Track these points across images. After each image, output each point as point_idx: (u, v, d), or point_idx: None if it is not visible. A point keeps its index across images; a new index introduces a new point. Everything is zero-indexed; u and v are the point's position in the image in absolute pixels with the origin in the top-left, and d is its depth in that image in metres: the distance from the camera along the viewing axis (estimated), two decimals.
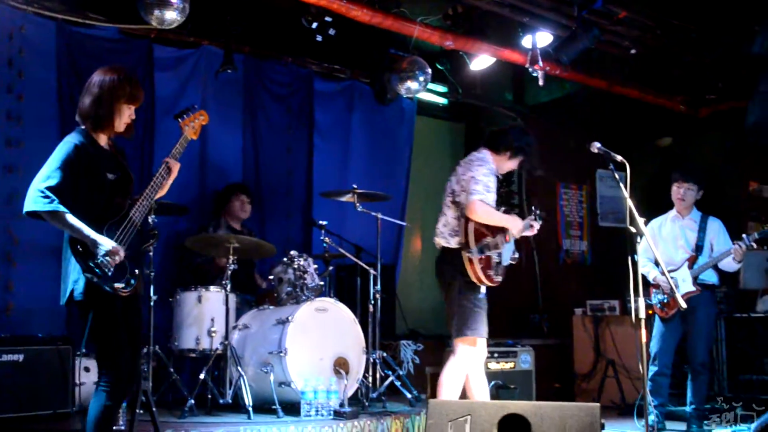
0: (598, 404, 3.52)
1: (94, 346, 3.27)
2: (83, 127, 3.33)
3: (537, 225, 4.43)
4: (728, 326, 6.63)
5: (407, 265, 7.44)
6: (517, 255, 4.46)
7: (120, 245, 3.22)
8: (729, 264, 5.48)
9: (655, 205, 5.85)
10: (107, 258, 3.15)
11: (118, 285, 3.19)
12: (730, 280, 6.43)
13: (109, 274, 3.17)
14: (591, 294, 7.35)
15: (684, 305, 5.08)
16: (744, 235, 5.33)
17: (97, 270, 3.14)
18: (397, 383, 5.46)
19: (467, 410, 3.59)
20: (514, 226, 4.31)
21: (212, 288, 5.16)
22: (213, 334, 5.00)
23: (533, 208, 4.45)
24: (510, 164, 4.53)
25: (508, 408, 3.58)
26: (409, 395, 5.38)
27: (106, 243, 3.18)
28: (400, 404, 5.32)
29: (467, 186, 4.27)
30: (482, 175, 4.25)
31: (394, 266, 6.95)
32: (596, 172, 8.49)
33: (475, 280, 4.22)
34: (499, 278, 4.31)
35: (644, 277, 5.55)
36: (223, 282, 5.04)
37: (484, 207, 4.18)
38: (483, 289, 4.26)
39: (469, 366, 4.31)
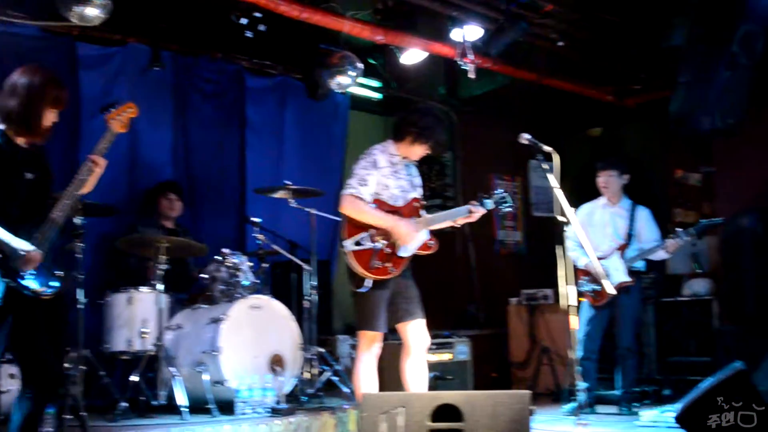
0: (528, 391, 3.55)
1: (15, 353, 3.18)
2: (1, 127, 3.24)
3: (479, 211, 4.39)
4: (656, 311, 6.79)
5: (345, 261, 7.41)
6: (433, 242, 4.33)
7: (40, 246, 3.14)
8: (660, 255, 5.63)
9: (586, 194, 5.96)
10: (24, 262, 3.07)
11: (38, 288, 3.11)
12: (657, 266, 6.62)
13: (27, 278, 3.09)
14: (526, 283, 7.45)
15: (614, 292, 5.20)
16: (679, 230, 5.45)
17: (15, 274, 3.06)
18: (335, 379, 5.46)
19: (401, 402, 3.60)
20: (393, 227, 4.13)
21: (143, 289, 5.07)
22: (145, 336, 4.92)
23: (479, 194, 4.44)
24: (417, 149, 4.31)
25: (441, 398, 3.59)
26: (346, 390, 5.38)
27: (22, 247, 3.10)
28: (338, 399, 5.31)
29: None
30: (360, 169, 4.17)
31: (330, 262, 6.93)
32: (529, 163, 8.62)
33: (358, 273, 4.11)
34: (394, 269, 4.15)
35: (574, 264, 5.67)
36: (155, 282, 4.97)
37: (352, 202, 4.08)
38: (368, 282, 4.09)
39: (371, 359, 4.19)
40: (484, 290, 7.97)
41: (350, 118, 7.46)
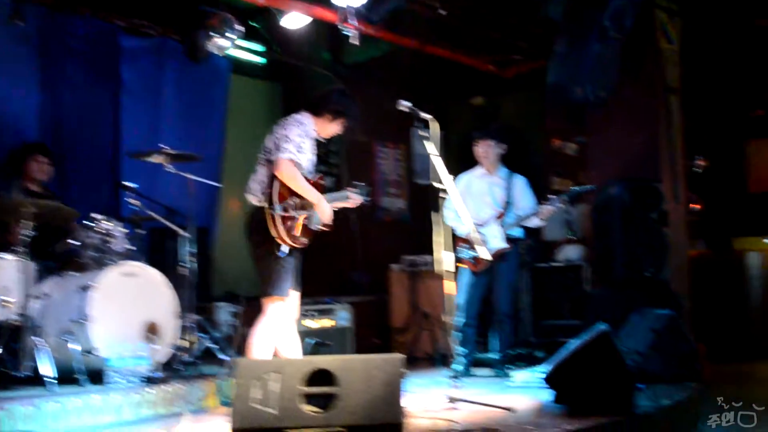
0: (401, 355, 3.60)
1: None
2: None
3: (356, 199, 4.50)
4: (532, 276, 7.03)
5: (226, 227, 7.29)
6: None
7: None
8: (535, 222, 5.77)
9: (469, 162, 6.03)
10: None
11: None
12: (533, 233, 6.81)
13: None
14: (408, 250, 7.52)
15: (489, 258, 5.30)
16: (552, 197, 5.59)
17: None
18: (213, 347, 5.36)
19: (275, 368, 3.58)
20: (318, 202, 4.24)
21: (5, 255, 4.81)
22: (6, 305, 4.67)
23: (356, 183, 4.49)
24: (332, 127, 4.45)
25: (316, 363, 3.60)
26: (225, 358, 5.31)
27: None
28: (216, 367, 5.23)
29: (278, 143, 4.21)
30: (296, 136, 4.19)
31: (210, 228, 6.80)
32: (411, 130, 8.61)
33: (276, 238, 4.15)
34: (305, 240, 4.26)
35: (453, 232, 5.76)
36: (19, 249, 4.72)
37: (290, 167, 4.12)
38: (285, 248, 4.18)
39: (276, 326, 4.25)
40: (367, 257, 7.99)
41: (233, 83, 7.30)
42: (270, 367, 3.59)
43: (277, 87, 8.09)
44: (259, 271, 4.23)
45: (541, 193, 6.06)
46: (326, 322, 5.96)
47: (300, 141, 4.19)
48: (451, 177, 4.46)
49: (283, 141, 4.19)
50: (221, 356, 5.32)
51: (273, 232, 4.14)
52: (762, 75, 7.88)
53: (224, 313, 6.00)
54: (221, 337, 5.58)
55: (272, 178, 4.19)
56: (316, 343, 5.65)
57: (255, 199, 4.28)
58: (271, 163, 4.25)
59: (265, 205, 4.19)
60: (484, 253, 5.19)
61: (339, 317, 6.10)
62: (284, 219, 4.15)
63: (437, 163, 4.33)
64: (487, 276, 5.73)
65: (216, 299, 6.40)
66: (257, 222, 4.22)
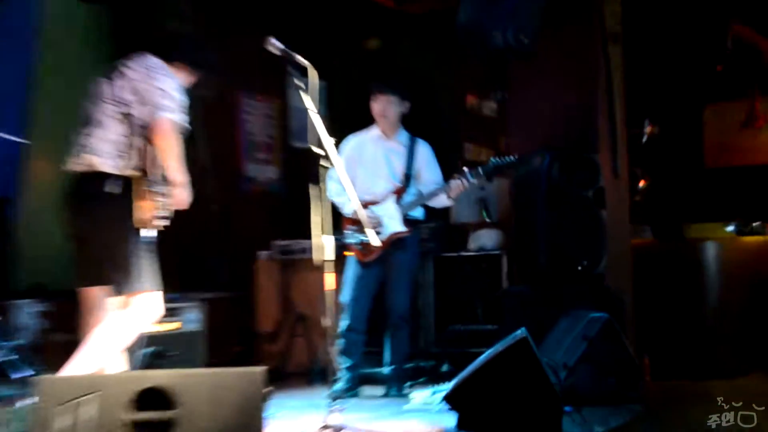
0: (263, 369, 3.56)
1: None
2: None
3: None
4: (437, 268, 7.07)
5: (35, 198, 6.99)
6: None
7: None
8: (441, 200, 5.80)
9: (360, 121, 6.02)
10: None
11: None
12: (439, 214, 6.88)
13: None
14: (281, 233, 7.50)
15: (378, 243, 5.31)
16: (464, 169, 5.63)
17: None
18: (11, 358, 5.15)
19: (91, 387, 3.47)
20: (184, 182, 4.31)
21: None
22: None
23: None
24: (185, 78, 4.51)
25: (148, 380, 3.52)
26: (25, 375, 5.08)
27: None
28: (11, 388, 4.99)
29: (152, 98, 4.19)
30: (173, 90, 4.23)
31: (12, 199, 6.54)
32: (289, 80, 8.55)
33: (139, 219, 4.17)
34: (165, 222, 4.32)
35: (338, 210, 5.74)
36: None
37: (174, 132, 4.15)
38: (153, 233, 4.28)
39: (138, 325, 4.33)
40: (226, 240, 7.86)
41: (44, 3, 6.99)
42: (84, 387, 3.47)
43: (102, 12, 7.76)
44: (111, 259, 4.20)
45: (450, 165, 6.09)
46: (169, 326, 5.85)
47: (179, 97, 4.23)
48: (336, 140, 4.50)
49: (159, 96, 4.18)
50: (19, 373, 5.11)
51: (138, 211, 4.14)
52: (724, 20, 8.10)
53: (27, 313, 5.78)
54: (22, 347, 5.36)
55: (147, 142, 4.18)
56: (154, 353, 5.53)
57: (100, 162, 4.18)
58: (129, 119, 4.21)
59: (121, 172, 4.16)
60: (375, 239, 5.24)
61: (186, 319, 6.00)
62: (157, 195, 4.18)
63: (317, 121, 4.36)
64: (380, 267, 5.75)
65: (17, 295, 6.16)
66: (98, 192, 4.15)
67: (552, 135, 6.46)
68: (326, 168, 4.52)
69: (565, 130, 6.47)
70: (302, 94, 4.40)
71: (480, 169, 5.67)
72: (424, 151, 5.90)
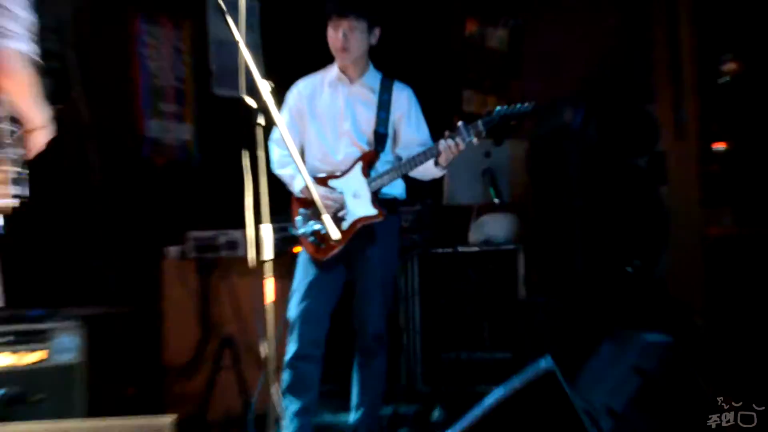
0: (171, 417, 3.70)
1: None
2: None
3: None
4: (424, 269, 7.12)
5: None
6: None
7: None
8: (428, 170, 5.78)
9: (312, 58, 5.97)
10: None
11: None
12: (427, 191, 6.87)
13: None
14: (198, 220, 7.49)
15: (338, 236, 5.26)
16: (460, 124, 5.61)
17: None
18: None
19: None
20: (44, 123, 4.19)
21: None
22: None
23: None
24: None
25: None
26: None
27: None
28: None
29: None
30: (21, 10, 4.03)
31: None
32: None
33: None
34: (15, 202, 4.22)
35: (285, 187, 5.77)
36: None
37: (23, 65, 3.98)
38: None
39: None
40: (117, 231, 7.88)
41: None
42: None
43: None
44: None
45: (441, 119, 6.05)
46: (30, 356, 5.81)
47: (30, 20, 4.06)
48: (275, 85, 4.37)
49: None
50: None
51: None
52: None
53: None
54: None
55: None
56: (6, 397, 5.51)
57: None
58: None
59: None
60: (335, 229, 5.20)
61: (57, 346, 5.92)
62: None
63: (249, 58, 4.27)
64: (344, 269, 5.78)
65: None
66: None
67: (587, 77, 6.47)
68: (263, 127, 4.50)
69: (606, 71, 6.48)
70: (227, 18, 4.28)
71: (480, 123, 5.59)
72: (403, 99, 5.85)
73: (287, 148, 4.94)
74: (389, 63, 6.02)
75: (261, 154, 4.39)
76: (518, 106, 5.76)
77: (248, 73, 4.34)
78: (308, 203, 5.68)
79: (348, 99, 5.86)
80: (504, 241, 7.14)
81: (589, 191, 6.10)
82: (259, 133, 4.45)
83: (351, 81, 5.87)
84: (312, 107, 5.87)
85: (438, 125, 5.90)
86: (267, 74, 4.41)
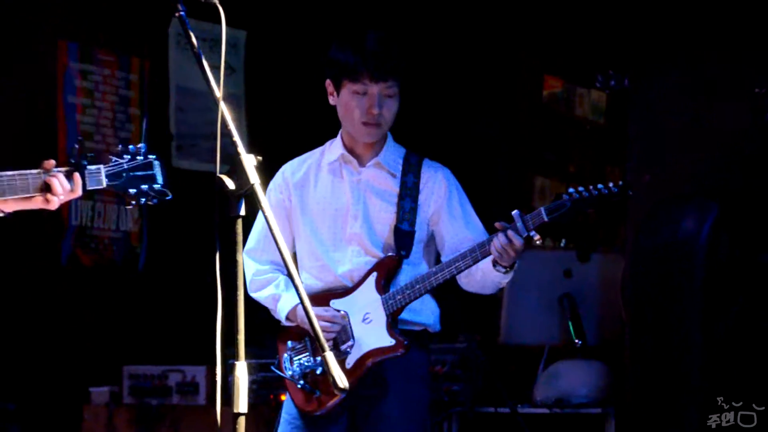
0: None
1: None
2: None
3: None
4: None
5: None
6: None
7: None
8: (488, 275, 5.84)
9: (313, 127, 6.14)
10: None
11: None
12: (474, 322, 7.03)
13: None
14: (141, 349, 7.72)
15: (344, 382, 5.41)
16: (515, 213, 5.64)
17: None
18: None
19: None
20: None
21: None
22: None
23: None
24: None
25: None
26: None
27: None
28: None
29: None
30: None
31: None
32: (170, 26, 8.82)
33: None
34: None
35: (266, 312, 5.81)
36: None
37: None
38: None
39: None
40: (20, 363, 7.91)
41: None
42: None
43: None
44: None
45: (499, 210, 6.17)
46: None
47: None
48: (261, 159, 4.52)
49: None
50: None
51: None
52: None
53: None
54: None
55: None
56: None
57: None
58: None
59: None
60: (339, 371, 5.26)
61: None
62: None
63: (229, 119, 4.41)
64: (346, 427, 5.78)
65: None
66: None
67: (721, 165, 6.62)
68: (240, 218, 4.60)
69: (746, 156, 6.63)
70: (197, 52, 4.17)
71: (544, 211, 5.56)
72: (438, 184, 5.84)
73: (268, 260, 5.10)
74: (421, 134, 6.12)
75: (239, 258, 4.56)
76: (599, 189, 5.71)
77: (225, 137, 4.47)
78: (300, 333, 5.74)
79: (357, 188, 5.82)
80: (587, 400, 7.17)
81: (719, 336, 6.25)
82: (239, 228, 4.62)
83: (361, 162, 5.85)
84: (304, 202, 5.83)
85: (494, 216, 5.86)
86: (253, 142, 4.59)
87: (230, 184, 4.25)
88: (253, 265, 5.69)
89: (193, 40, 4.22)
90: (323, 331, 5.14)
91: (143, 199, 4.77)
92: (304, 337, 5.72)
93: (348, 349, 5.70)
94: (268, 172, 4.97)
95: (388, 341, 5.77)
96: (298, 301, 4.88)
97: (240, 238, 4.31)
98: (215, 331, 4.19)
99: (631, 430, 6.91)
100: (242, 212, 4.28)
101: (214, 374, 4.26)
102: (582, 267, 6.95)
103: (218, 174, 4.21)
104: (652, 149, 7.05)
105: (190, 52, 4.29)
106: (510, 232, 5.55)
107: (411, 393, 5.89)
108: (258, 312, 5.54)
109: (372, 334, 5.77)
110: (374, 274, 5.83)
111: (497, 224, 5.59)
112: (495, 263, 5.62)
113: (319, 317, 5.43)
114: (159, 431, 7.40)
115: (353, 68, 5.76)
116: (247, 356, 4.27)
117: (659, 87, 7.11)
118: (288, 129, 6.04)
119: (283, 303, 5.76)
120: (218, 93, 4.22)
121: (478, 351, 7.30)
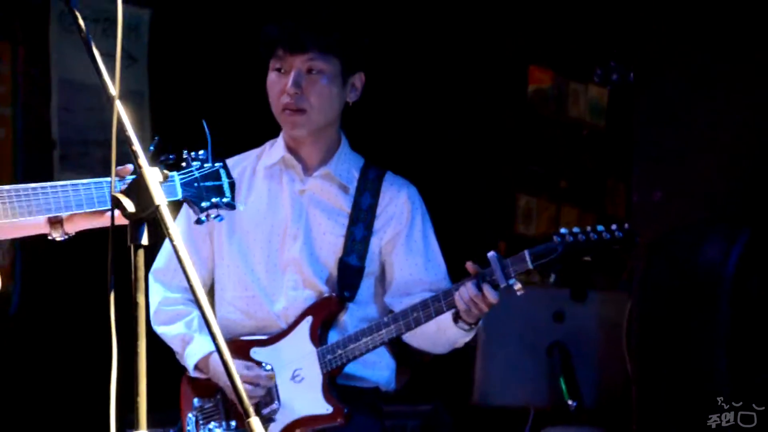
0: None
1: None
2: None
3: None
4: None
5: None
6: None
7: None
8: (443, 332, 5.82)
9: (249, 119, 6.22)
10: None
11: None
12: (439, 383, 6.96)
13: None
14: (5, 417, 7.66)
15: None
16: (491, 256, 5.62)
17: None
18: None
19: None
20: None
21: None
22: None
23: None
24: None
25: None
26: None
27: None
28: None
29: None
30: None
31: None
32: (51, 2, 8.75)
33: None
34: None
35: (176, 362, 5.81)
36: None
37: None
38: None
39: None
40: None
41: None
42: None
43: None
44: None
45: (475, 247, 6.14)
46: None
47: None
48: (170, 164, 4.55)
49: None
50: None
51: None
52: None
53: None
54: None
55: None
56: None
57: None
58: None
59: None
60: None
61: None
62: None
63: (126, 120, 4.35)
64: None
65: None
66: None
67: (751, 180, 6.64)
68: (143, 248, 4.58)
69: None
70: (85, 37, 4.16)
71: (527, 255, 5.58)
72: (400, 205, 5.92)
73: (180, 286, 5.10)
74: (380, 141, 6.12)
75: (141, 299, 4.51)
76: (599, 232, 5.70)
77: (123, 145, 4.45)
78: (210, 388, 5.77)
79: (299, 201, 5.90)
80: None
81: (749, 383, 6.27)
82: (140, 261, 4.57)
83: (307, 168, 5.91)
84: (232, 215, 5.70)
85: (465, 257, 5.89)
86: (159, 150, 4.53)
87: (129, 206, 4.19)
88: (160, 292, 5.67)
89: (80, 21, 4.19)
90: (245, 394, 5.05)
91: (214, 213, 4.78)
92: (215, 393, 5.74)
93: (272, 415, 5.60)
94: None
95: (323, 408, 5.75)
96: (214, 348, 4.58)
97: (141, 273, 4.17)
98: (109, 394, 4.09)
99: None
100: (144, 241, 4.22)
101: None
102: (576, 308, 6.96)
103: (113, 192, 4.23)
104: (664, 159, 7.02)
105: (77, 36, 4.22)
106: (483, 284, 5.51)
107: None
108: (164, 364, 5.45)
109: (303, 397, 5.76)
110: (309, 318, 5.82)
111: (469, 265, 5.61)
112: (457, 317, 5.60)
113: (241, 377, 4.99)
114: None
115: (271, 40, 5.90)
116: (150, 425, 4.17)
117: (672, 82, 7.09)
118: (203, 134, 5.92)
119: (193, 348, 5.75)
120: (113, 89, 4.17)
121: (445, 415, 7.24)
